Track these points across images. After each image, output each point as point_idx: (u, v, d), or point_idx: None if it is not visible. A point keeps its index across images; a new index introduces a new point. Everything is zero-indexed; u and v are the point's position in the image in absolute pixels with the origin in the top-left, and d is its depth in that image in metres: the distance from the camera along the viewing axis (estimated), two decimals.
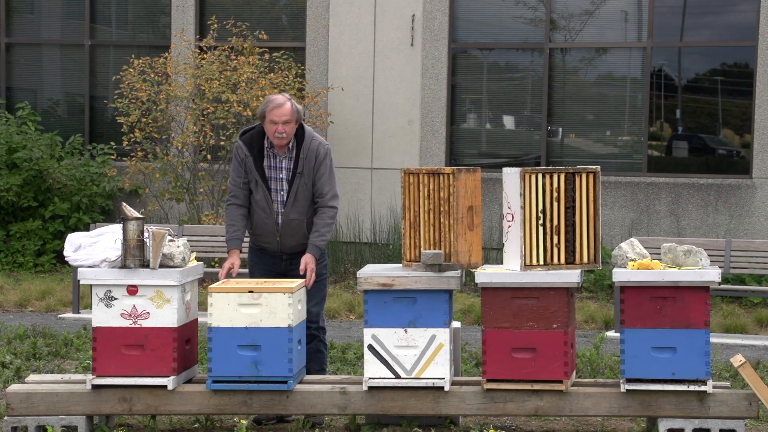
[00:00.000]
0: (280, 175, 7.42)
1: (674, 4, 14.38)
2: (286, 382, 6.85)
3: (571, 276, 6.75)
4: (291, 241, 7.47)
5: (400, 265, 7.18)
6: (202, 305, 9.93)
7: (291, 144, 7.41)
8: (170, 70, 14.36)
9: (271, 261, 7.55)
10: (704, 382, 6.69)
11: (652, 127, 14.50)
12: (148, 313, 6.86)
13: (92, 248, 6.99)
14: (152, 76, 14.34)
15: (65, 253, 7.08)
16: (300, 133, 7.43)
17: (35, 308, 12.42)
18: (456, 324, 7.34)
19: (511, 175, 6.85)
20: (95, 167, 14.94)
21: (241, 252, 7.55)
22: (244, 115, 13.90)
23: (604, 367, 8.87)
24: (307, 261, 7.33)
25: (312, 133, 7.48)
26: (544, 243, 6.78)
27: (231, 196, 7.52)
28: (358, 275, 6.91)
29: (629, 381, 6.73)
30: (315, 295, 7.45)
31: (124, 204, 7.14)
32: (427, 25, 14.63)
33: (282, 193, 7.42)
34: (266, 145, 7.43)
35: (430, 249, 6.99)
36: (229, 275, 7.39)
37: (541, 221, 6.77)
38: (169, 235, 6.95)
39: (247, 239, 7.62)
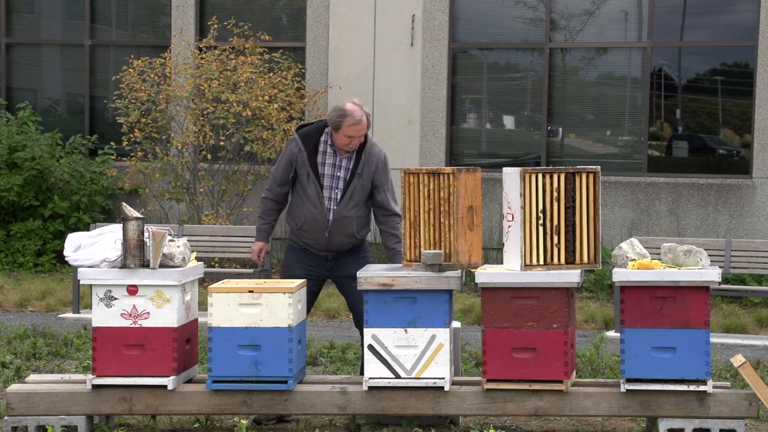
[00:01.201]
0: (338, 173, 7.47)
1: (674, 4, 14.38)
2: (286, 382, 6.85)
3: (571, 276, 6.75)
4: (339, 238, 7.49)
5: (401, 265, 7.18)
6: (202, 305, 9.94)
7: None
8: (170, 71, 14.36)
9: (313, 262, 7.56)
10: (704, 382, 6.69)
11: (652, 127, 14.50)
12: (148, 313, 6.86)
13: (92, 248, 6.98)
14: (152, 76, 14.34)
15: (65, 253, 7.08)
16: None
17: (35, 308, 12.42)
18: (456, 324, 7.34)
19: (511, 175, 6.85)
20: (95, 165, 14.95)
21: (268, 244, 7.74)
22: (244, 115, 13.91)
23: (604, 367, 8.87)
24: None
25: (371, 138, 7.57)
26: (544, 243, 6.78)
27: (267, 190, 7.64)
28: (358, 275, 6.90)
29: (629, 381, 6.73)
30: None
31: (124, 204, 7.14)
32: (427, 25, 14.63)
33: (337, 190, 7.46)
34: (326, 141, 7.47)
35: (430, 249, 6.99)
36: (259, 259, 7.66)
37: (541, 221, 6.77)
38: (169, 235, 6.95)
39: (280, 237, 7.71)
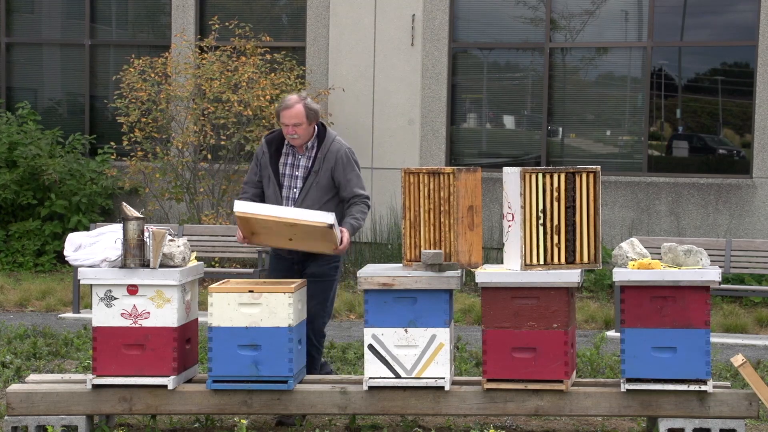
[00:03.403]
0: (296, 173, 7.46)
1: (674, 4, 14.37)
2: (286, 382, 6.85)
3: (571, 276, 6.75)
4: None
5: (401, 264, 7.18)
6: (202, 305, 9.94)
7: (312, 143, 7.46)
8: (170, 70, 14.36)
9: (286, 266, 7.53)
10: (704, 382, 6.69)
11: (652, 127, 14.50)
12: (148, 312, 6.86)
13: (92, 248, 6.98)
14: (152, 76, 14.34)
15: (65, 252, 7.08)
16: (321, 133, 7.48)
17: (35, 308, 12.42)
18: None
19: (511, 175, 6.85)
20: (95, 164, 14.94)
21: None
22: (245, 114, 13.91)
23: (604, 367, 8.87)
24: (342, 230, 7.24)
25: (333, 134, 7.51)
26: (544, 243, 6.78)
27: (242, 193, 7.62)
28: (358, 275, 6.90)
29: (629, 381, 6.73)
30: (316, 295, 7.43)
31: (125, 204, 7.14)
32: (427, 25, 14.63)
33: (295, 190, 7.44)
34: (286, 143, 7.48)
35: (430, 249, 6.99)
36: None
37: (541, 221, 6.77)
38: (169, 234, 6.95)
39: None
